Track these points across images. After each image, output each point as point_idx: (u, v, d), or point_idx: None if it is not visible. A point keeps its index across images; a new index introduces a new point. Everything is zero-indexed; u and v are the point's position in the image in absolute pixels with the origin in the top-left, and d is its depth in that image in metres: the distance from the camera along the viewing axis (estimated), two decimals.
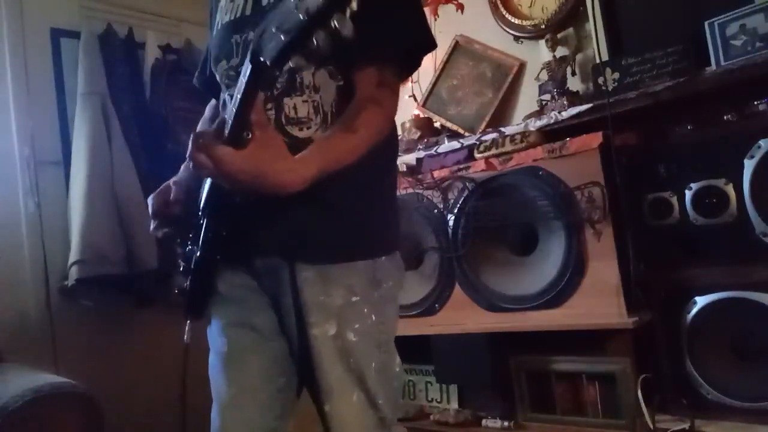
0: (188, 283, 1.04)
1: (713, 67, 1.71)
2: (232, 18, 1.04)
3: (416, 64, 1.05)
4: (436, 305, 2.10)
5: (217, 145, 0.80)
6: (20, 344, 2.03)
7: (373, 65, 0.96)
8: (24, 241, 2.16)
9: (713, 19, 1.70)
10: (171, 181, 1.10)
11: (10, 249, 2.12)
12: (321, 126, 0.97)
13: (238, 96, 0.77)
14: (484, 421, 2.00)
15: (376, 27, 0.94)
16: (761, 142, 1.57)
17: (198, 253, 1.00)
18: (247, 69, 0.75)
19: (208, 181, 0.97)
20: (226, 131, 0.82)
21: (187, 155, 0.83)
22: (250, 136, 0.80)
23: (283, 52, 0.68)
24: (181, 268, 1.06)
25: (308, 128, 0.97)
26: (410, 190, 2.15)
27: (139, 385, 2.20)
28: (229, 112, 0.81)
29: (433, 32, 1.06)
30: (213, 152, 0.80)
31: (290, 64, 0.69)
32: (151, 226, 1.07)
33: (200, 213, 0.99)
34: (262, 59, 0.71)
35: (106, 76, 2.30)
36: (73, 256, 2.08)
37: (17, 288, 2.12)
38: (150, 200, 1.07)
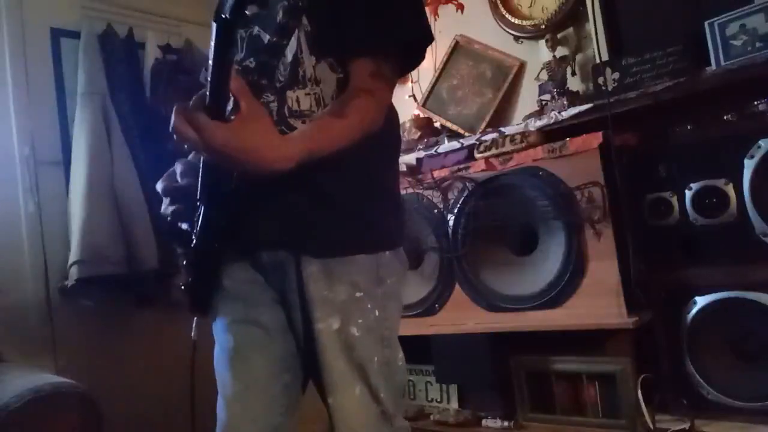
0: (191, 278, 1.04)
1: (713, 67, 1.71)
2: None
3: (416, 59, 1.04)
4: (436, 305, 2.10)
5: (201, 116, 0.78)
6: (20, 344, 2.03)
7: (369, 56, 0.96)
8: (24, 241, 2.15)
9: (713, 19, 1.70)
10: (176, 162, 1.09)
11: (10, 249, 2.12)
12: None
13: (210, 62, 0.76)
14: (484, 421, 2.00)
15: (374, 18, 0.95)
16: (761, 142, 1.58)
17: (196, 242, 0.99)
18: (212, 30, 0.73)
19: (201, 168, 0.96)
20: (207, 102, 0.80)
21: (170, 127, 0.81)
22: (233, 108, 0.78)
23: (238, 1, 0.68)
24: (185, 264, 1.05)
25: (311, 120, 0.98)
26: (410, 190, 2.15)
27: (139, 385, 2.20)
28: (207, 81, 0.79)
29: (432, 30, 1.06)
30: (196, 122, 0.78)
31: (247, 12, 0.68)
32: (162, 207, 1.05)
33: (197, 201, 0.98)
34: (222, 15, 0.70)
35: (106, 76, 2.29)
36: (73, 256, 2.08)
37: (17, 288, 2.12)
38: (159, 182, 1.04)
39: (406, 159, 2.35)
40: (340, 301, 0.96)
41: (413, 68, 1.10)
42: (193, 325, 1.06)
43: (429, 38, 1.03)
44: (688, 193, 1.70)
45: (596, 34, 1.99)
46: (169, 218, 1.02)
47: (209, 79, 0.77)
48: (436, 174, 2.11)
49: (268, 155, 0.81)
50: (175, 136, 0.82)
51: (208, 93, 0.78)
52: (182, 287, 1.07)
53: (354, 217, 0.98)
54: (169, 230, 1.05)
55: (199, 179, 0.94)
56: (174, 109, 0.80)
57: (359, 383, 0.97)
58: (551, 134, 1.94)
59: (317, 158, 0.87)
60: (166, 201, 1.03)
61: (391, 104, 1.07)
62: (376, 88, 0.96)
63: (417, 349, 2.04)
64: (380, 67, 0.96)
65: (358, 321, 0.97)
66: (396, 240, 1.05)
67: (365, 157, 0.94)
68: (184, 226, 1.02)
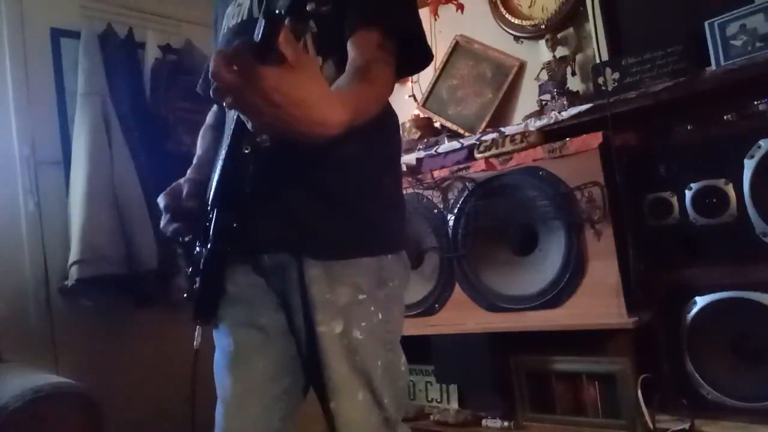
0: (198, 285, 1.03)
1: (713, 67, 1.71)
2: (239, 21, 1.04)
3: (411, 66, 1.03)
4: (436, 305, 2.10)
5: (248, 56, 0.66)
6: (20, 344, 2.03)
7: (375, 27, 0.93)
8: (24, 241, 2.15)
9: (713, 19, 1.70)
10: (182, 180, 1.09)
11: (10, 249, 2.12)
12: None
13: (260, 29, 0.67)
14: (484, 421, 2.00)
15: (378, 3, 0.93)
16: (761, 142, 1.58)
17: (208, 247, 0.99)
18: (260, 26, 0.66)
19: (217, 173, 0.97)
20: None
21: (210, 73, 0.68)
22: (279, 59, 0.67)
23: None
24: (189, 271, 1.05)
25: None
26: (410, 190, 2.15)
27: (139, 385, 2.20)
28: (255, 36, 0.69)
29: (433, 36, 1.06)
30: (243, 62, 0.66)
31: (307, 8, 0.61)
32: (162, 222, 1.05)
33: (209, 206, 0.98)
34: (276, 11, 0.62)
35: (106, 76, 2.29)
36: (73, 256, 2.08)
37: (17, 288, 2.12)
38: (162, 197, 1.05)
39: (406, 159, 2.35)
40: (342, 304, 0.95)
41: (409, 74, 1.08)
42: (196, 333, 1.05)
43: (429, 57, 1.02)
44: (688, 193, 1.70)
45: (596, 34, 1.99)
46: (168, 234, 1.02)
47: (260, 28, 0.67)
48: (436, 174, 2.11)
49: (323, 112, 0.70)
50: (213, 83, 0.69)
51: (257, 37, 0.67)
52: (186, 295, 1.06)
53: (356, 218, 0.98)
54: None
55: (214, 184, 0.93)
56: (214, 52, 0.69)
57: (362, 388, 0.96)
58: (551, 134, 1.94)
59: (352, 126, 0.78)
60: (166, 217, 1.04)
61: (392, 110, 1.06)
62: (387, 61, 0.92)
63: (417, 349, 2.03)
64: (386, 42, 0.93)
65: (361, 324, 0.96)
66: (398, 243, 1.05)
67: (368, 158, 0.93)
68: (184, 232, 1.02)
